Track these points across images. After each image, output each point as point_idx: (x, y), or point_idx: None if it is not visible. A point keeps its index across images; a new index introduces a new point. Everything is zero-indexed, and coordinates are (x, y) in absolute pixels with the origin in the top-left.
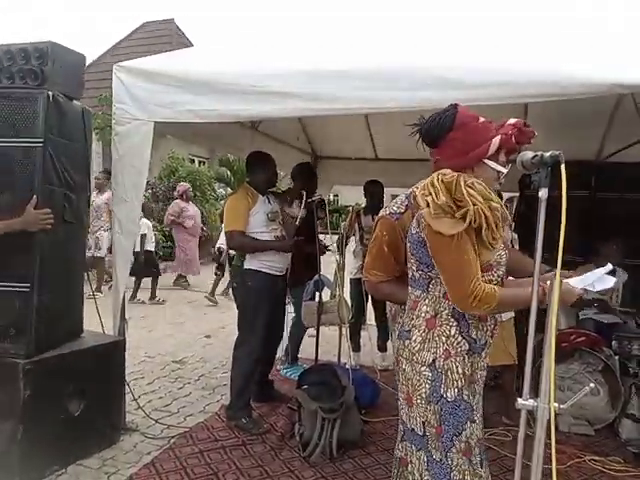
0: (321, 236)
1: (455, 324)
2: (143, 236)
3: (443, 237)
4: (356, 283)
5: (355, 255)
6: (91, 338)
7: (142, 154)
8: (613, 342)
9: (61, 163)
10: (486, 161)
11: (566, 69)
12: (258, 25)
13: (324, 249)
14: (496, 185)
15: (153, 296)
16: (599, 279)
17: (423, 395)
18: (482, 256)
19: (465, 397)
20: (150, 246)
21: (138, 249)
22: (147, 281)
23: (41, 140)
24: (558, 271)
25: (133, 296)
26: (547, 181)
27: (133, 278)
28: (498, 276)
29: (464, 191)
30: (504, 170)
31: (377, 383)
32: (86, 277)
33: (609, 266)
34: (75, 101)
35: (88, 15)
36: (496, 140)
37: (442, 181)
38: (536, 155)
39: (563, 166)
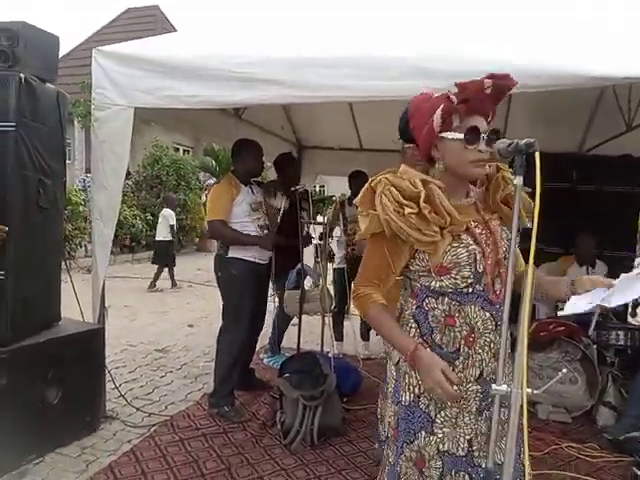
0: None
1: (415, 325)
2: (172, 226)
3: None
4: (340, 273)
5: (339, 245)
6: (70, 325)
7: (123, 140)
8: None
9: (35, 148)
10: (443, 135)
11: (549, 61)
12: (243, 12)
13: (309, 240)
14: (474, 169)
15: (174, 284)
16: (617, 291)
17: (388, 394)
18: (431, 260)
19: (422, 406)
20: (170, 236)
21: (160, 238)
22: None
23: (13, 124)
24: (531, 260)
25: (152, 284)
26: (522, 169)
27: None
28: (464, 277)
29: (377, 200)
30: (459, 136)
31: (359, 371)
32: (64, 264)
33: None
34: (49, 84)
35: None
36: (439, 110)
37: (370, 185)
38: (511, 143)
39: (537, 154)
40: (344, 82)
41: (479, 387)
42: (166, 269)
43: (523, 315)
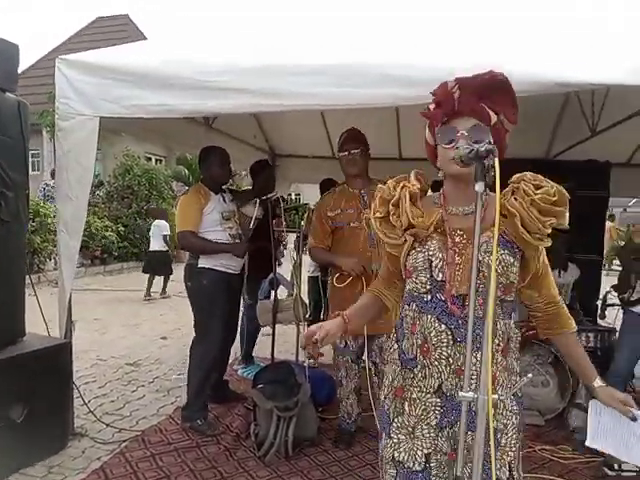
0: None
1: (394, 330)
2: (165, 236)
3: None
4: (314, 281)
5: None
6: (35, 341)
7: (88, 151)
8: None
9: None
10: (429, 140)
11: (511, 67)
12: (213, 21)
13: (280, 245)
14: (454, 166)
15: (164, 291)
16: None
17: None
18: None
19: (386, 407)
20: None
21: (155, 248)
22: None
23: None
24: (494, 264)
25: (147, 294)
26: (482, 175)
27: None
28: (422, 283)
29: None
30: (429, 139)
31: (334, 380)
32: (28, 279)
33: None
34: (9, 94)
35: (39, 10)
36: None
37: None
38: (472, 149)
39: (497, 160)
40: (313, 90)
41: (438, 400)
42: (160, 277)
43: (487, 319)
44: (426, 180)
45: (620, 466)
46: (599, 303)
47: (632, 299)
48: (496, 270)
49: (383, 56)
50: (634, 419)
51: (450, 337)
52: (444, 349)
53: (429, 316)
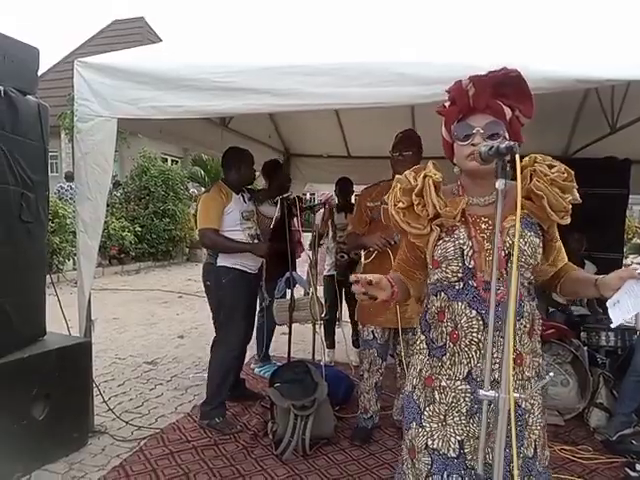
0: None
1: (419, 322)
2: None
3: None
4: (330, 280)
5: (328, 252)
6: (55, 340)
7: (106, 152)
8: (582, 333)
9: (16, 161)
10: (446, 137)
11: (530, 65)
12: (228, 22)
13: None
14: (470, 163)
15: None
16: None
17: None
18: (426, 253)
19: (415, 397)
20: None
21: None
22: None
23: None
24: (515, 262)
25: None
26: (504, 172)
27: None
28: (453, 272)
29: (389, 196)
30: (446, 136)
31: (351, 379)
32: (48, 278)
33: None
34: (30, 96)
35: (57, 13)
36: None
37: None
38: (492, 146)
39: (517, 157)
40: (325, 90)
41: (468, 387)
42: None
43: (509, 319)
44: (440, 171)
45: None
46: None
47: None
48: (525, 253)
49: (399, 55)
50: None
51: (481, 322)
52: (475, 334)
53: (460, 303)
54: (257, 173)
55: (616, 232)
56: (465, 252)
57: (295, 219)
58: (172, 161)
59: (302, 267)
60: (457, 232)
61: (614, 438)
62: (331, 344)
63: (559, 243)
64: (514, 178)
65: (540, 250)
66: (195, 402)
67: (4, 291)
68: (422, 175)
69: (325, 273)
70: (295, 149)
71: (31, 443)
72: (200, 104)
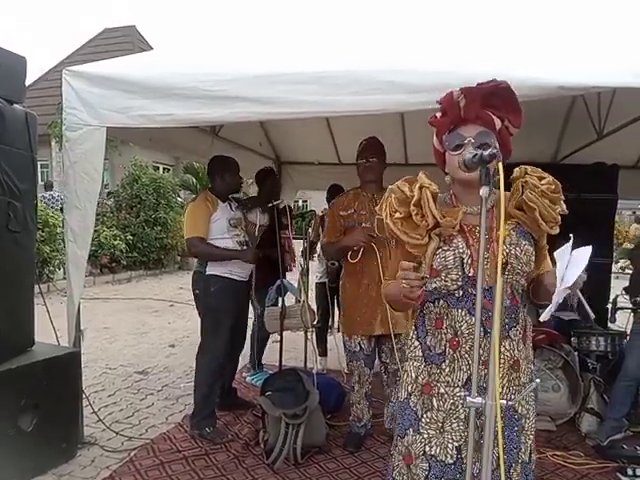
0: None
1: (413, 328)
2: None
3: None
4: (321, 287)
5: (320, 260)
6: (44, 350)
7: (95, 160)
8: (572, 338)
9: (3, 170)
10: (437, 147)
11: (513, 73)
12: (219, 30)
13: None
14: (462, 173)
15: None
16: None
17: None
18: (424, 262)
19: (412, 404)
20: None
21: None
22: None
23: None
24: (499, 269)
25: None
26: (488, 179)
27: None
28: (453, 280)
29: (382, 206)
30: (438, 146)
31: (343, 387)
32: (37, 288)
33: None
34: (17, 105)
35: (48, 21)
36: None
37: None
38: (476, 154)
39: (500, 164)
40: (313, 98)
41: (467, 394)
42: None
43: (494, 325)
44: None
45: (635, 471)
46: (609, 307)
47: None
48: (521, 261)
49: (386, 63)
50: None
51: (481, 329)
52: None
53: (460, 310)
54: (250, 180)
55: (605, 237)
56: (465, 261)
57: (286, 228)
58: (164, 169)
59: (294, 275)
60: (455, 241)
61: (605, 443)
62: (323, 352)
63: (546, 251)
64: (498, 186)
65: (534, 258)
66: (186, 412)
67: None
68: (418, 186)
69: (316, 280)
70: (286, 156)
71: (19, 455)
72: (189, 112)
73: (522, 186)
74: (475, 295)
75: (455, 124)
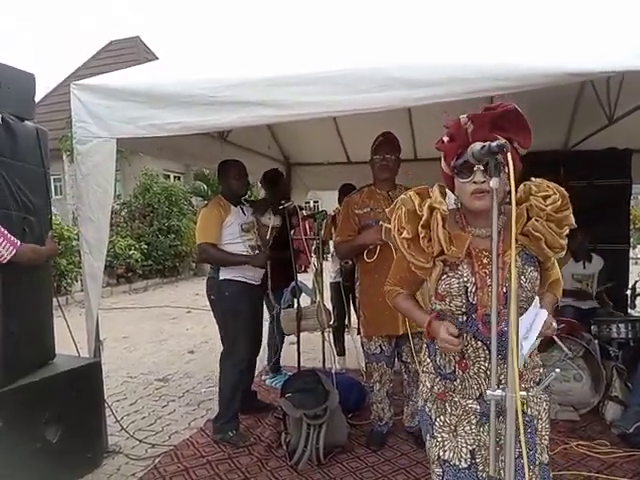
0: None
1: (425, 346)
2: None
3: None
4: (336, 287)
5: (333, 259)
6: (64, 362)
7: (107, 172)
8: (592, 327)
9: (17, 186)
10: (446, 170)
11: (519, 61)
12: (221, 35)
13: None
14: (474, 202)
15: None
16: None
17: None
18: (429, 284)
19: (427, 410)
20: None
21: None
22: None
23: None
24: (513, 252)
25: None
26: (497, 171)
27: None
28: (457, 306)
29: (392, 216)
30: (446, 169)
31: (363, 385)
32: (56, 301)
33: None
34: (28, 122)
35: (55, 36)
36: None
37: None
38: (484, 146)
39: (509, 154)
40: (317, 98)
41: (478, 407)
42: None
43: (511, 317)
44: (446, 192)
45: None
46: (629, 293)
47: None
48: (526, 289)
49: (387, 59)
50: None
51: (487, 352)
52: (482, 363)
53: (465, 334)
54: (260, 185)
55: (621, 223)
56: (469, 289)
57: (297, 228)
58: (174, 177)
59: (309, 276)
60: (460, 268)
61: (631, 430)
62: (341, 351)
63: (555, 270)
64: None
65: (538, 282)
66: (208, 417)
67: (11, 316)
68: (428, 205)
69: (330, 280)
70: (295, 158)
71: (46, 466)
72: (197, 119)
73: (527, 210)
74: (476, 320)
75: (463, 149)
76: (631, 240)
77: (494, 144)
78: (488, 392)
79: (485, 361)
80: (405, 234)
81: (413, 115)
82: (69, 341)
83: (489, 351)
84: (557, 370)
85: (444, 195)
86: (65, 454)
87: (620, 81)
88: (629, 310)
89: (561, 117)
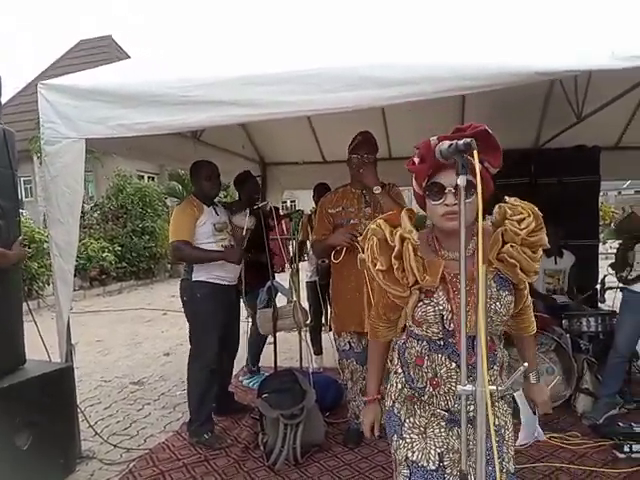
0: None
1: (397, 356)
2: None
3: None
4: (312, 286)
5: (309, 259)
6: (36, 367)
7: (76, 173)
8: (563, 321)
9: None
10: (417, 190)
11: (487, 60)
12: (192, 35)
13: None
14: (446, 223)
15: None
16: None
17: None
18: (406, 311)
19: (395, 410)
20: None
21: None
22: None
23: None
24: (480, 251)
25: None
26: (465, 169)
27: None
28: (434, 332)
29: (365, 245)
30: (418, 190)
31: (340, 384)
32: (26, 305)
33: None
34: None
35: (24, 36)
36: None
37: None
38: (451, 144)
39: (476, 153)
40: (290, 98)
41: (446, 413)
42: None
43: (479, 315)
44: (415, 216)
45: (631, 448)
46: (598, 287)
47: (630, 277)
48: (500, 314)
49: (359, 59)
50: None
51: (459, 373)
52: (453, 384)
53: (440, 355)
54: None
55: (591, 219)
56: (445, 317)
57: (273, 230)
58: (148, 178)
59: (284, 276)
60: (436, 295)
61: (601, 421)
62: (318, 350)
63: (527, 290)
64: (474, 174)
65: (512, 306)
66: (184, 419)
67: None
68: (399, 235)
69: (306, 279)
70: (270, 158)
71: (17, 473)
72: (167, 119)
73: (502, 235)
74: (454, 344)
75: (433, 170)
76: (600, 236)
77: (461, 142)
78: (458, 387)
79: (457, 382)
80: (379, 266)
81: (387, 115)
82: (40, 346)
83: (459, 368)
84: (525, 364)
85: (413, 220)
86: (37, 461)
87: (588, 79)
88: (599, 304)
89: (531, 115)
